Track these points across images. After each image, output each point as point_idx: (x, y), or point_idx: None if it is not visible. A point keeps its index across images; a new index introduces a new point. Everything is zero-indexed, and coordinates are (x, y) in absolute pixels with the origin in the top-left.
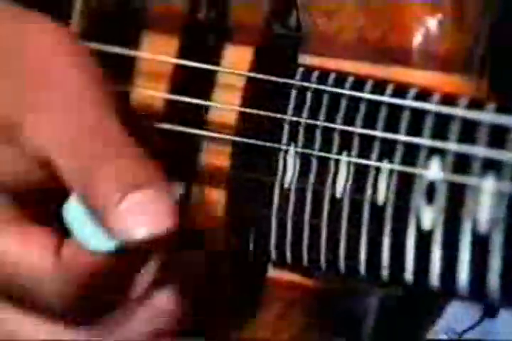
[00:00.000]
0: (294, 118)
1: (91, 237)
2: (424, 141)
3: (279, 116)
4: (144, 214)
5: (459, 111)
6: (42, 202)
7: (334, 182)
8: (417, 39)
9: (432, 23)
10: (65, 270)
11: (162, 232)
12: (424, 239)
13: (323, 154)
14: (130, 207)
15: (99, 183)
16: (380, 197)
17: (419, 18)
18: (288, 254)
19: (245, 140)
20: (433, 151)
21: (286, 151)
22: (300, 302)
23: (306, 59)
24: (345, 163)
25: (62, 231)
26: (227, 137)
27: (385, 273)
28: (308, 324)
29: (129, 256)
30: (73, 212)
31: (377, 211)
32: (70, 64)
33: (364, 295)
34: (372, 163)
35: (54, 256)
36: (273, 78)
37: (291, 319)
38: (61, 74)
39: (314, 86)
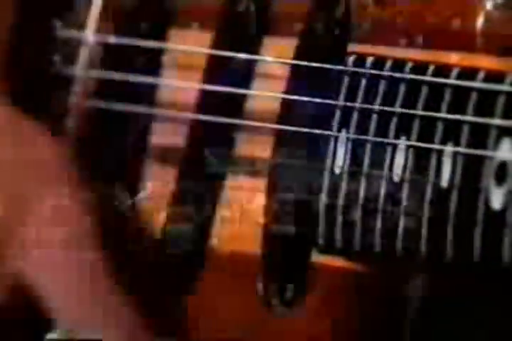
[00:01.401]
0: (349, 104)
1: None
2: (495, 121)
3: (333, 102)
4: None
5: None
6: None
7: (392, 165)
8: (479, 23)
9: (490, 5)
10: None
11: None
12: (494, 220)
13: (379, 139)
14: None
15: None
16: (445, 179)
17: (480, 1)
18: (338, 239)
19: (295, 128)
20: (504, 131)
21: (336, 137)
22: (344, 287)
23: (356, 47)
24: (403, 147)
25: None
26: (273, 126)
27: (449, 252)
28: (352, 308)
29: None
30: None
31: (441, 193)
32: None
33: (409, 278)
34: (436, 146)
35: None
36: (327, 65)
37: (335, 304)
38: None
39: (372, 71)
